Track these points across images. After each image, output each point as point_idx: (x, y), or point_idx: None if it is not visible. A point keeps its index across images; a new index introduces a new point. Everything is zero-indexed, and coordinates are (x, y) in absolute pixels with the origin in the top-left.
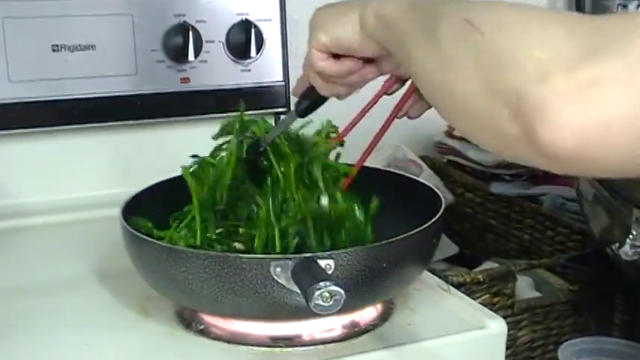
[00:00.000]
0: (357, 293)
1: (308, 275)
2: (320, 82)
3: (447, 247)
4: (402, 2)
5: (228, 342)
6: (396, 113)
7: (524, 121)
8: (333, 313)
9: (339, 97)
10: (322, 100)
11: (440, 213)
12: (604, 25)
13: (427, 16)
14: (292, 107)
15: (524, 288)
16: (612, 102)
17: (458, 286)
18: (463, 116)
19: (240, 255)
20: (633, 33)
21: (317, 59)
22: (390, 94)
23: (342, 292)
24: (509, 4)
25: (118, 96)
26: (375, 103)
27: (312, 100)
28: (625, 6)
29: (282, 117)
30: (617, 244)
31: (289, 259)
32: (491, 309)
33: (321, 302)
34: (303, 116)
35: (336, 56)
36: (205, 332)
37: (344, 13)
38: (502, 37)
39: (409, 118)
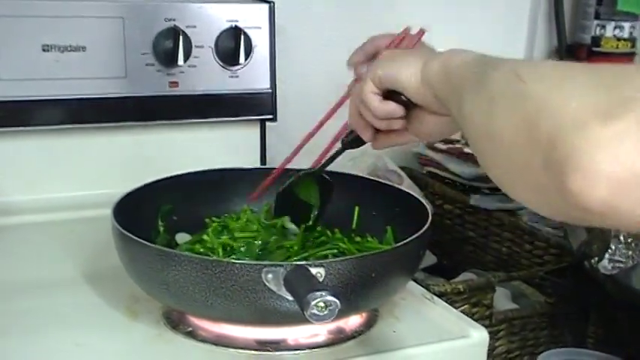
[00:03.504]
0: (345, 301)
1: (303, 284)
2: (355, 111)
3: (426, 257)
4: (467, 58)
5: (215, 344)
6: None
7: (555, 170)
8: (326, 322)
9: (362, 137)
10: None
11: (427, 225)
12: (635, 76)
13: (484, 67)
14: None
15: (502, 299)
16: None
17: (438, 295)
18: (501, 165)
19: (233, 260)
20: None
21: (367, 89)
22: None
23: (337, 302)
24: (556, 62)
25: (107, 98)
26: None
27: (356, 136)
28: (603, 27)
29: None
30: (596, 259)
31: (281, 265)
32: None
33: (316, 312)
34: (347, 148)
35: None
36: (193, 334)
37: (408, 56)
38: (542, 86)
39: (372, 147)
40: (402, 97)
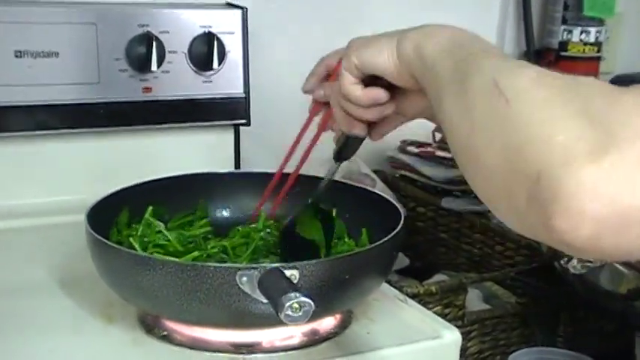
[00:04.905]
0: (319, 303)
1: (277, 286)
2: (341, 115)
3: (399, 259)
4: (442, 42)
5: (191, 348)
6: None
7: (541, 206)
8: (301, 324)
9: (359, 134)
10: (353, 141)
11: (399, 227)
12: (623, 107)
13: (462, 65)
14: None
15: (474, 300)
16: (633, 192)
17: (411, 297)
18: (485, 185)
19: (207, 264)
20: None
21: (346, 81)
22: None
23: (311, 303)
24: (536, 70)
25: (80, 103)
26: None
27: (343, 143)
28: (570, 31)
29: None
30: (565, 259)
31: (255, 268)
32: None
33: (290, 313)
34: (339, 160)
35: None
36: (168, 338)
37: (380, 39)
38: (525, 109)
39: (371, 139)
40: (383, 81)
